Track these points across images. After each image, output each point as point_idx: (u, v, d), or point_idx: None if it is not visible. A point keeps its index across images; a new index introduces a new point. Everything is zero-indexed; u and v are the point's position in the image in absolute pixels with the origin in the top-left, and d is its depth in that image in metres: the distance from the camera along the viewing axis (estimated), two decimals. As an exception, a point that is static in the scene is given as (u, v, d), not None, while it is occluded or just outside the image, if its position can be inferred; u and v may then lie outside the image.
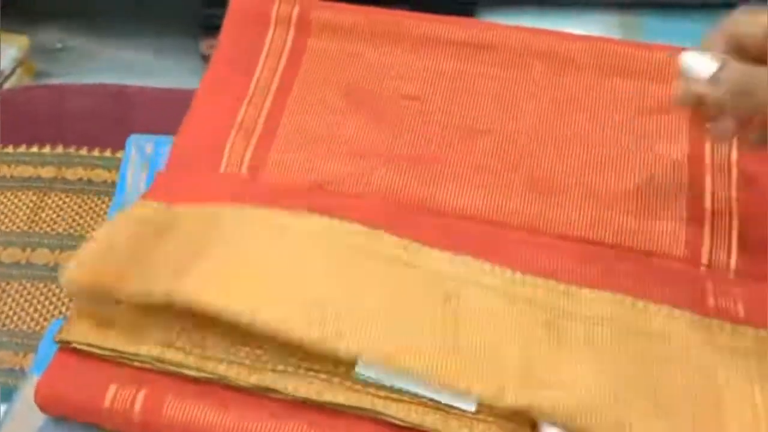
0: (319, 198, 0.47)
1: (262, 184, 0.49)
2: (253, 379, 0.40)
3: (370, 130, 0.51)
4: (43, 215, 0.60)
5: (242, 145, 0.51)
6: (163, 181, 0.50)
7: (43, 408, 0.41)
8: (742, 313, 0.42)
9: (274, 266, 0.42)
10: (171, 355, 0.41)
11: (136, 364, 0.41)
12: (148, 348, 0.41)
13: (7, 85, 1.02)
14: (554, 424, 0.37)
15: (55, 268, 0.56)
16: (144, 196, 0.48)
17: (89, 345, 0.41)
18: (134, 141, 0.58)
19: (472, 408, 0.38)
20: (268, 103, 0.53)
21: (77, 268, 0.42)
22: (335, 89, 0.53)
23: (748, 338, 0.41)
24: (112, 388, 0.40)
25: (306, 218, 0.44)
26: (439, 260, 0.43)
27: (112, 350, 0.41)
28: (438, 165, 0.50)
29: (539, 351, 0.40)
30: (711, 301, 0.43)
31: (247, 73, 0.54)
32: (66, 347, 0.42)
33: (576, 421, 0.37)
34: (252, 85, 0.53)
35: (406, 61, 0.53)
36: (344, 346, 0.38)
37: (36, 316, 0.54)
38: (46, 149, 0.64)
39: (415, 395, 0.39)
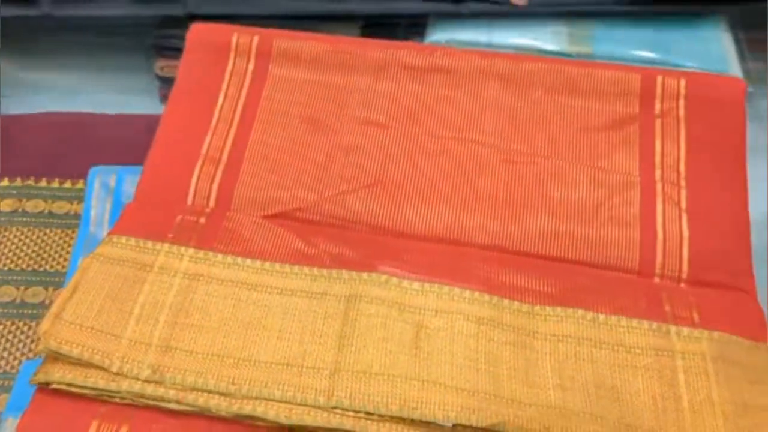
0: (289, 235, 0.49)
1: (229, 220, 0.50)
2: (234, 408, 0.41)
3: (334, 156, 0.52)
4: (6, 250, 0.59)
5: (208, 176, 0.51)
6: (132, 213, 0.50)
7: (25, 451, 0.41)
8: (697, 319, 0.45)
9: (247, 330, 0.44)
10: (151, 389, 0.41)
11: (116, 400, 0.41)
12: (128, 383, 0.41)
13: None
14: None
15: (21, 305, 0.56)
16: (114, 231, 0.48)
17: (69, 384, 0.41)
18: (96, 173, 0.57)
19: (450, 424, 0.40)
20: (232, 132, 0.53)
21: (53, 326, 0.42)
22: (298, 116, 0.54)
23: (704, 341, 0.44)
24: (94, 425, 0.41)
25: (272, 276, 0.46)
26: (410, 292, 0.45)
27: (93, 388, 0.41)
28: (401, 187, 0.51)
29: (507, 371, 0.42)
30: (667, 309, 0.45)
31: (209, 102, 0.54)
32: (44, 387, 0.42)
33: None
34: (215, 115, 0.54)
35: (366, 86, 0.54)
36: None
37: (5, 355, 0.53)
38: (4, 182, 0.63)
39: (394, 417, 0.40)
